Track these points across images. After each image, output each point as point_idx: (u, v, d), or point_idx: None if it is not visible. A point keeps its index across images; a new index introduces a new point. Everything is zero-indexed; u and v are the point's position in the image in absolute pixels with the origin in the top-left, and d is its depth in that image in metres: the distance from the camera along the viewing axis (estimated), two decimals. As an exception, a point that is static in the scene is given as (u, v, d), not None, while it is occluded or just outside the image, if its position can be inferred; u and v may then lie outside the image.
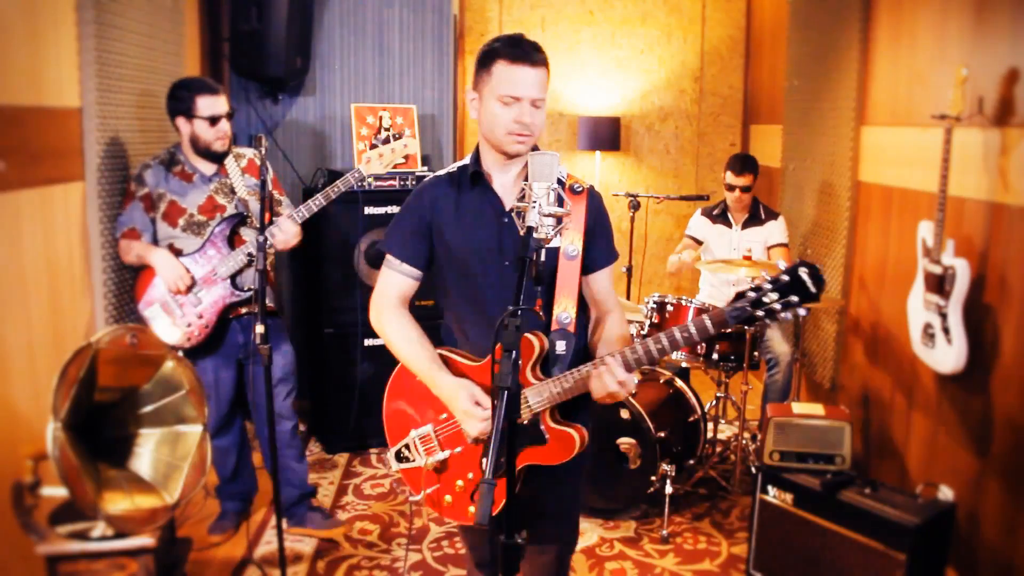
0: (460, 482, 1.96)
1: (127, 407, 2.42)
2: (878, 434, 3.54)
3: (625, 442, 3.34)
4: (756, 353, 3.80)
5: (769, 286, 1.62)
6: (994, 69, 2.67)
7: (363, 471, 3.97)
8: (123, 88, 3.05)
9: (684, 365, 3.78)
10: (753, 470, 2.98)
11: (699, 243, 4.28)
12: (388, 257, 2.02)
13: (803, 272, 1.60)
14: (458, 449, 1.95)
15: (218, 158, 3.06)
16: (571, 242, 1.92)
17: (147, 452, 2.42)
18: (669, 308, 3.67)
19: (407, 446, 2.02)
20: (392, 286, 2.02)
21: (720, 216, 4.23)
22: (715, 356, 3.68)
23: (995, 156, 2.68)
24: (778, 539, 2.87)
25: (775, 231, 4.18)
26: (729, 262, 3.70)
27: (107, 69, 2.91)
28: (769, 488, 2.89)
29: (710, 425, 3.94)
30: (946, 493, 2.80)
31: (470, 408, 1.85)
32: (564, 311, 1.88)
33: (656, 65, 5.78)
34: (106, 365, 2.24)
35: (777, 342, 3.93)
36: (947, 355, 2.74)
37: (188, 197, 3.03)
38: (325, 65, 4.45)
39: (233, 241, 3.05)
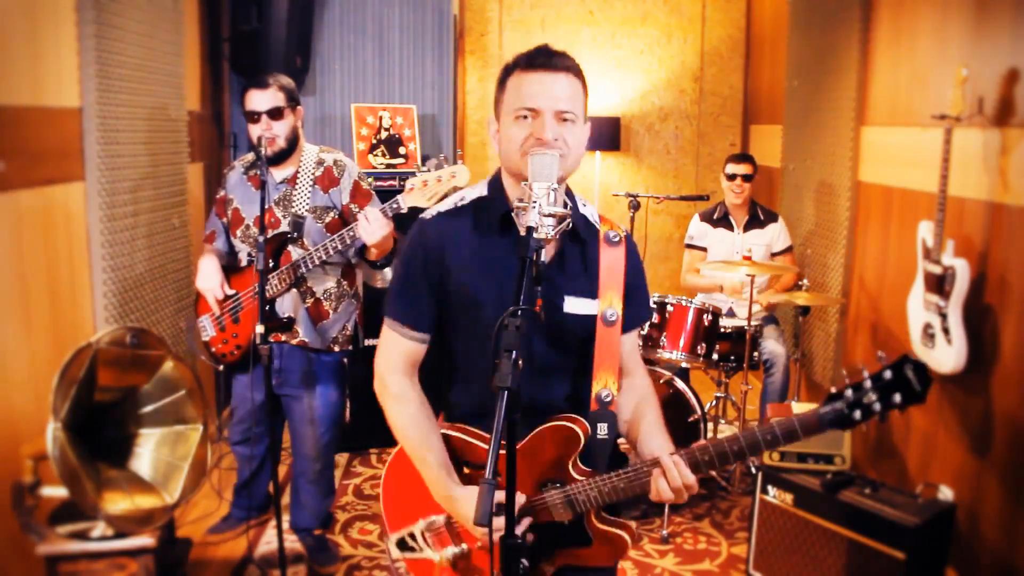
0: None
1: (127, 407, 2.42)
2: (878, 434, 3.54)
3: (625, 442, 3.33)
4: (756, 353, 3.80)
5: (869, 384, 1.45)
6: (994, 69, 2.67)
7: (363, 471, 3.97)
8: (123, 88, 3.05)
9: (684, 365, 3.77)
10: (753, 470, 2.98)
11: (703, 250, 4.25)
12: (387, 317, 1.71)
13: (908, 370, 1.43)
14: (478, 544, 1.66)
15: (273, 160, 2.80)
16: (609, 304, 1.65)
17: (147, 452, 2.42)
18: (669, 308, 3.66)
19: (412, 535, 1.73)
20: (399, 351, 1.70)
21: (721, 220, 4.21)
22: (715, 356, 3.68)
23: (995, 156, 2.68)
24: (778, 539, 2.87)
25: (778, 235, 4.17)
26: (728, 263, 3.70)
27: (107, 69, 2.90)
28: (769, 488, 2.89)
29: (710, 425, 3.94)
30: (946, 493, 2.80)
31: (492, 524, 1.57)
32: (605, 387, 1.64)
33: (656, 65, 5.78)
34: (106, 365, 2.24)
35: (774, 343, 3.93)
36: (947, 355, 2.74)
37: (251, 206, 2.88)
38: (325, 65, 4.45)
39: (280, 260, 2.81)
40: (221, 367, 3.01)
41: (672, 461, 1.53)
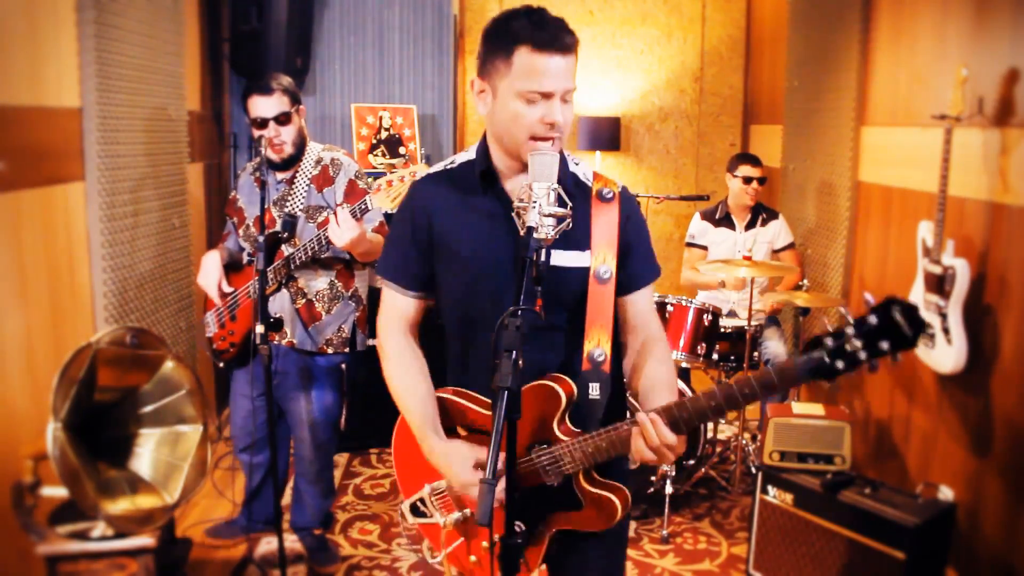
0: (485, 543, 1.69)
1: (127, 407, 2.42)
2: (878, 434, 3.54)
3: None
4: (756, 353, 3.80)
5: (852, 331, 1.32)
6: (994, 69, 2.67)
7: (363, 471, 3.97)
8: (123, 88, 3.05)
9: (684, 365, 3.77)
10: (753, 470, 2.98)
11: (703, 248, 4.25)
12: (381, 277, 1.76)
13: (896, 312, 1.29)
14: None
15: (278, 165, 2.84)
16: (603, 261, 1.62)
17: (147, 452, 2.42)
18: (669, 308, 3.67)
19: (422, 500, 1.76)
20: (394, 309, 1.75)
21: (723, 219, 4.20)
22: (715, 356, 3.68)
23: (995, 156, 2.68)
24: (778, 539, 2.87)
25: (780, 232, 4.17)
26: (729, 262, 3.70)
27: (107, 69, 2.90)
28: (769, 488, 2.89)
29: (710, 425, 3.94)
30: (946, 493, 2.80)
31: (471, 478, 1.59)
32: (597, 347, 1.59)
33: (656, 65, 5.78)
34: (106, 365, 2.24)
35: (775, 342, 3.93)
36: (947, 355, 2.74)
37: (253, 207, 2.90)
38: (325, 65, 4.45)
39: (273, 260, 2.80)
40: (221, 364, 3.07)
41: (649, 419, 1.47)
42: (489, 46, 1.59)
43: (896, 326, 1.29)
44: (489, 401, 1.67)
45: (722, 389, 1.43)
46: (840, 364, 1.33)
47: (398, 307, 1.75)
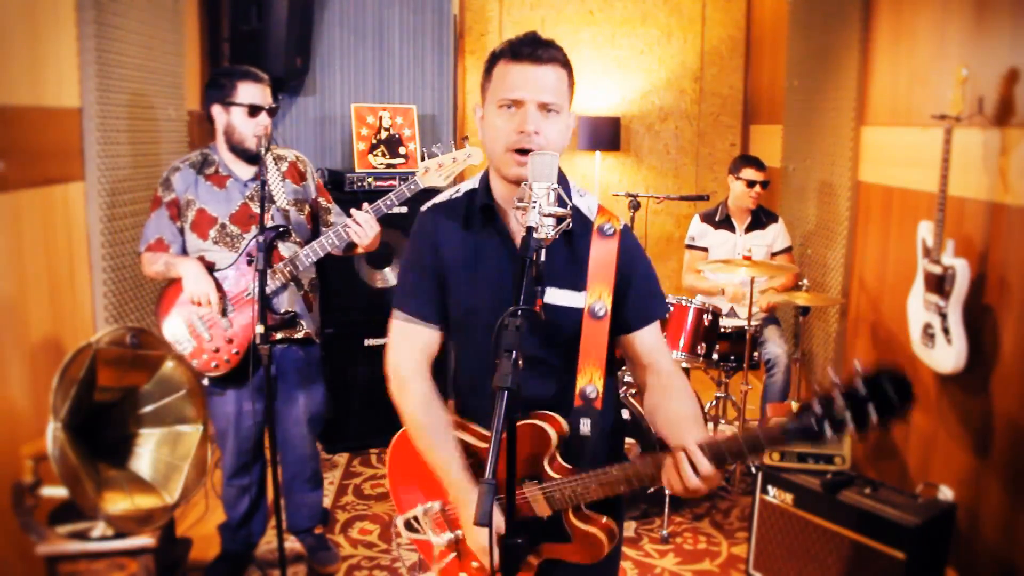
0: (475, 563, 1.71)
1: (127, 407, 2.42)
2: (878, 434, 3.54)
3: (625, 442, 3.34)
4: (756, 353, 3.80)
5: (841, 400, 1.33)
6: (994, 69, 2.67)
7: (363, 471, 3.97)
8: (123, 88, 3.05)
9: (684, 365, 3.77)
10: (753, 470, 2.98)
11: (704, 250, 4.24)
12: (397, 311, 1.72)
13: (886, 382, 1.31)
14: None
15: (253, 158, 2.74)
16: (598, 297, 1.61)
17: (147, 452, 2.42)
18: (669, 309, 3.66)
19: (415, 518, 1.79)
20: (412, 344, 1.70)
21: (723, 221, 4.19)
22: (715, 356, 3.68)
23: (995, 156, 2.68)
24: (778, 539, 2.87)
25: (779, 236, 4.16)
26: (729, 262, 3.70)
27: (107, 69, 2.90)
28: (769, 488, 2.89)
29: (710, 425, 3.94)
30: (946, 493, 2.81)
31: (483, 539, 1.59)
32: (590, 383, 1.59)
33: (656, 65, 5.78)
34: (106, 365, 2.24)
35: (775, 343, 3.93)
36: (947, 355, 2.74)
37: (220, 205, 2.75)
38: (325, 65, 4.45)
39: (271, 257, 2.73)
40: (206, 380, 2.76)
41: (691, 449, 1.41)
42: (484, 71, 1.63)
43: (885, 397, 1.31)
44: (487, 433, 1.67)
45: (711, 447, 1.42)
46: (828, 431, 1.35)
47: (417, 341, 1.70)
